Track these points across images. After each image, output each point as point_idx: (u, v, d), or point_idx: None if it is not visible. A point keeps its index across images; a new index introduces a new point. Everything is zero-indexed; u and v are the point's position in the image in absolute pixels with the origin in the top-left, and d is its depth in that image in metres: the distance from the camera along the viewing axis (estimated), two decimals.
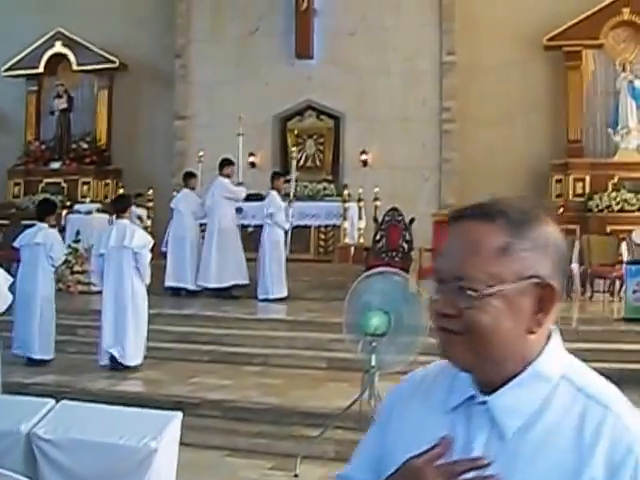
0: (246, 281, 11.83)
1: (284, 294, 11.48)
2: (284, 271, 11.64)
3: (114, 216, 9.28)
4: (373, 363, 5.67)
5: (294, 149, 14.74)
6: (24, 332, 8.48)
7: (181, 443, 6.25)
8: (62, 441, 3.40)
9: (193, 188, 12.80)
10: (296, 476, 5.69)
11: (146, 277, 8.42)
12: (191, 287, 12.19)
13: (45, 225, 8.85)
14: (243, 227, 12.75)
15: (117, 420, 3.53)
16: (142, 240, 8.38)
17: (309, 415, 6.60)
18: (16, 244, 9.07)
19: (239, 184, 12.59)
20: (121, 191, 14.53)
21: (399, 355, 5.65)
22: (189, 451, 6.16)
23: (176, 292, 12.20)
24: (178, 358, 8.81)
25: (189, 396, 7.12)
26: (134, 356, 8.22)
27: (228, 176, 12.47)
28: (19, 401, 3.83)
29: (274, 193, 12.02)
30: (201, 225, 12.80)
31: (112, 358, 8.21)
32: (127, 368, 8.15)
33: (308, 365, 8.35)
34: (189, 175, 13.03)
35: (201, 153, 13.47)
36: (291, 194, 12.79)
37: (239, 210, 12.22)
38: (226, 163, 12.58)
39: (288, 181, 12.96)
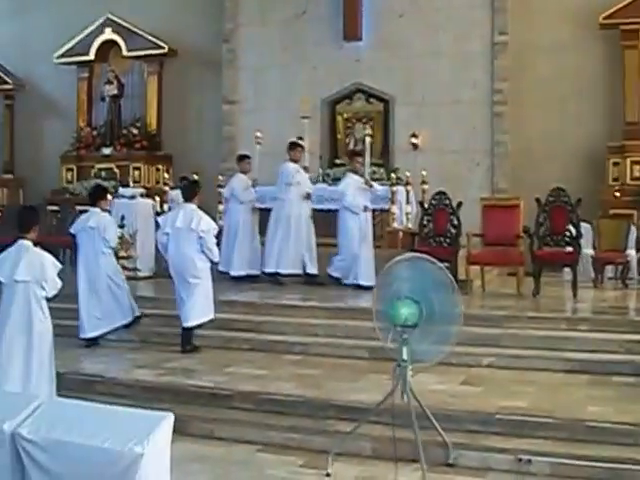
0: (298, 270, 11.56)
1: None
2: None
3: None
4: (405, 356, 5.36)
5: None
6: (88, 314, 9.00)
7: (213, 437, 6.22)
8: (45, 442, 3.23)
9: (245, 172, 12.42)
10: (328, 475, 5.43)
11: (214, 257, 8.88)
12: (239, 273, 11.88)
13: (98, 210, 9.29)
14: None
15: (105, 421, 3.35)
16: (207, 225, 8.79)
17: (346, 409, 6.35)
18: (72, 230, 9.48)
19: (304, 168, 12.09)
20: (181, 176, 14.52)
21: (433, 346, 5.39)
22: (220, 445, 6.09)
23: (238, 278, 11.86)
24: (217, 346, 8.70)
25: (222, 387, 6.96)
26: (205, 313, 8.73)
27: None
28: (6, 396, 3.69)
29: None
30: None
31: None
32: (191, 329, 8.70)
33: (349, 355, 8.14)
34: (241, 158, 12.65)
35: (258, 134, 12.95)
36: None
37: (308, 196, 11.71)
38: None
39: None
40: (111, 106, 18.34)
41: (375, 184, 11.61)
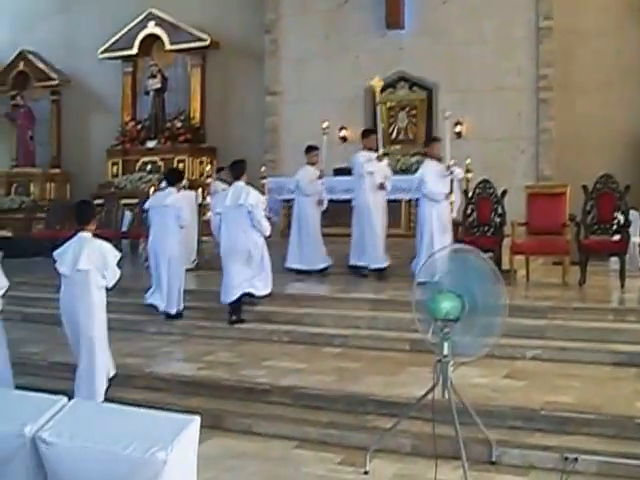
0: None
1: None
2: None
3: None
4: (445, 352, 5.21)
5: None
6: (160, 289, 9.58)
7: (250, 432, 6.15)
8: (66, 447, 3.13)
9: (312, 164, 12.05)
10: (366, 473, 5.31)
11: (264, 230, 9.19)
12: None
13: (174, 190, 9.91)
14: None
15: (129, 425, 3.22)
16: (255, 199, 9.16)
17: (385, 404, 6.23)
18: (146, 206, 10.36)
19: (380, 156, 11.49)
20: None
21: (476, 339, 5.22)
22: (257, 441, 6.01)
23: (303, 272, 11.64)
24: (257, 339, 8.65)
25: (260, 382, 6.89)
26: (265, 287, 9.22)
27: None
28: (30, 398, 3.63)
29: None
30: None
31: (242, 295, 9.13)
32: (258, 298, 9.27)
33: (390, 347, 8.01)
34: (309, 149, 12.31)
35: (326, 124, 12.28)
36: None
37: (381, 186, 11.29)
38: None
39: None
40: (155, 100, 18.42)
41: (456, 169, 10.84)
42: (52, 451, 3.19)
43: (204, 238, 13.00)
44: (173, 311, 9.52)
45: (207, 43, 17.54)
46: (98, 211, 15.18)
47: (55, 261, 6.84)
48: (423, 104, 15.38)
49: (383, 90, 15.55)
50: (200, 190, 14.23)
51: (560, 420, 5.78)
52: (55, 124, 19.91)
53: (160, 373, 7.39)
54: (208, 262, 8.91)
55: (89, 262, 6.65)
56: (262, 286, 9.23)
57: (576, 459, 5.27)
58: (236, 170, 9.52)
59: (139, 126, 18.55)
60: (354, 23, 15.51)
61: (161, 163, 17.86)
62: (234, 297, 9.06)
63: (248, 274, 9.10)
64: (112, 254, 6.81)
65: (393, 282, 10.53)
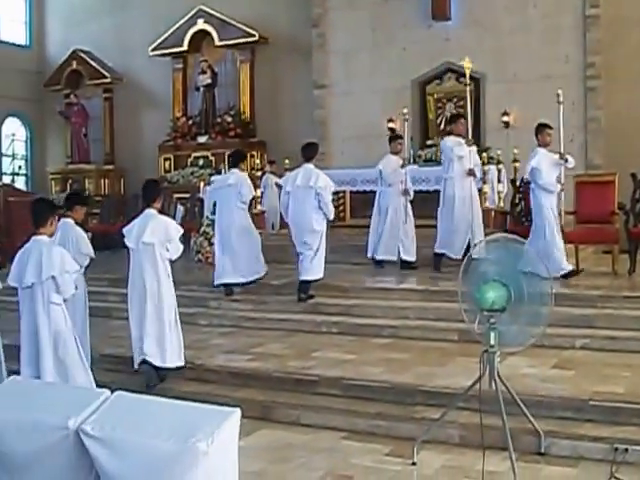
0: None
1: None
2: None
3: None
4: (492, 342, 5.20)
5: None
6: (224, 262, 10.07)
7: (298, 424, 6.22)
8: (109, 439, 3.18)
9: (396, 153, 11.48)
10: (414, 464, 5.32)
11: (330, 213, 9.55)
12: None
13: (237, 170, 10.43)
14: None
15: (170, 417, 3.28)
16: (325, 182, 9.52)
17: (433, 395, 6.24)
18: (212, 187, 11.20)
19: (469, 142, 10.89)
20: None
21: (523, 329, 5.21)
22: (305, 432, 6.07)
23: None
24: (307, 330, 8.72)
25: (308, 373, 6.95)
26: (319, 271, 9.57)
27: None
28: (73, 391, 3.71)
29: None
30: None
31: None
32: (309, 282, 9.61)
33: (439, 337, 8.04)
34: (392, 138, 11.83)
35: (405, 110, 11.93)
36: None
37: (471, 172, 10.61)
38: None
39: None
40: (205, 95, 18.63)
41: (570, 158, 10.01)
42: (95, 443, 3.27)
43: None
44: (250, 278, 10.04)
45: (256, 38, 17.72)
46: None
47: (124, 236, 7.29)
48: (470, 95, 15.26)
49: (430, 82, 15.58)
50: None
51: (610, 410, 5.74)
52: (108, 121, 20.25)
53: (210, 365, 7.49)
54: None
55: (153, 236, 7.11)
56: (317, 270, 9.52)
57: (626, 450, 5.24)
58: (308, 152, 9.90)
59: (190, 122, 18.78)
60: (400, 15, 15.52)
61: (212, 158, 18.10)
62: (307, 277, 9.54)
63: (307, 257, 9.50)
64: (175, 230, 7.27)
65: (442, 273, 10.50)
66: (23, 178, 21.39)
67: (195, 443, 3.05)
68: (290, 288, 9.76)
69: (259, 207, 14.30)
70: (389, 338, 8.21)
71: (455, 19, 15.09)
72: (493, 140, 14.24)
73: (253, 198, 12.99)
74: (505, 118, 14.47)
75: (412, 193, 11.45)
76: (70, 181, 19.79)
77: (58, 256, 6.19)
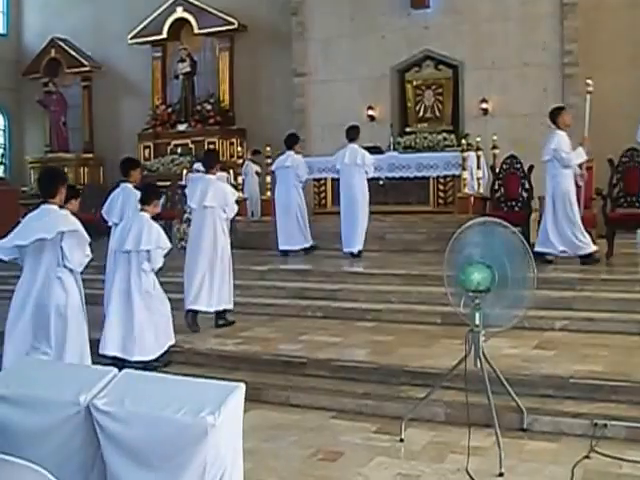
0: None
1: None
2: None
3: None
4: (477, 322, 5.35)
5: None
6: (286, 233, 11.79)
7: (288, 404, 6.36)
8: (120, 414, 3.34)
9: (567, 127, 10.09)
10: (401, 441, 5.42)
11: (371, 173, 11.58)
12: None
13: (292, 152, 11.93)
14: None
15: (178, 391, 3.41)
16: (370, 160, 11.37)
17: (418, 375, 6.40)
18: (273, 168, 12.46)
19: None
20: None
21: (506, 311, 5.37)
22: (295, 412, 6.21)
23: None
24: (292, 314, 8.86)
25: (296, 355, 7.09)
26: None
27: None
28: (82, 369, 3.81)
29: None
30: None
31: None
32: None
33: (422, 320, 8.21)
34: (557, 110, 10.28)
35: (589, 81, 10.86)
36: None
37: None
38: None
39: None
40: (185, 83, 18.65)
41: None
42: (105, 417, 3.40)
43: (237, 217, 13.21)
44: (305, 245, 11.85)
45: (235, 26, 17.73)
46: None
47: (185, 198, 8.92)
48: (449, 82, 15.48)
49: (409, 69, 15.71)
50: (232, 172, 14.47)
51: (589, 388, 5.91)
52: (87, 110, 20.21)
53: (200, 349, 7.61)
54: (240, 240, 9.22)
55: (213, 200, 8.26)
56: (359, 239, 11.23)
57: (605, 425, 5.40)
58: (352, 134, 11.47)
59: (169, 110, 18.80)
60: (379, 3, 15.61)
61: (192, 146, 18.11)
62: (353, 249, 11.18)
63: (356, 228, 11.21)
64: (232, 194, 8.52)
65: (422, 258, 10.68)
66: (1, 167, 21.28)
67: (204, 417, 3.19)
68: (273, 274, 9.88)
69: (239, 194, 14.39)
70: (373, 322, 8.37)
71: (434, 6, 15.18)
72: (472, 127, 14.39)
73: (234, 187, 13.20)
74: (484, 105, 14.63)
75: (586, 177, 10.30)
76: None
77: (156, 233, 7.08)
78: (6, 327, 6.18)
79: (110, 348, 6.97)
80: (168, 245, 7.20)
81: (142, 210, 7.30)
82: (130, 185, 8.63)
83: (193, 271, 8.30)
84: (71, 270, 6.14)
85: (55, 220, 6.06)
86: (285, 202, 11.83)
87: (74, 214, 7.57)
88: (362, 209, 11.22)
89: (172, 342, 7.22)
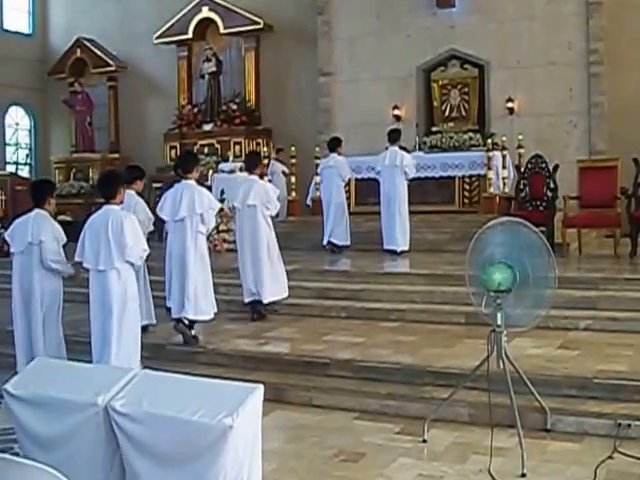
0: None
1: None
2: None
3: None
4: (499, 322, 5.33)
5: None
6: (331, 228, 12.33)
7: (311, 405, 6.37)
8: (138, 415, 3.38)
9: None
10: (424, 441, 5.39)
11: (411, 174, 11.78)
12: None
13: (335, 154, 12.44)
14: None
15: (196, 393, 3.40)
16: (409, 161, 11.63)
17: (442, 375, 6.37)
18: (318, 170, 12.98)
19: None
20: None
21: (528, 311, 5.35)
22: (318, 413, 6.22)
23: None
24: (316, 314, 8.86)
25: (319, 355, 7.08)
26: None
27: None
28: (100, 370, 3.83)
29: None
30: None
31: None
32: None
33: (446, 320, 8.18)
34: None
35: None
36: None
37: None
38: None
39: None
40: (210, 83, 18.70)
41: None
42: (123, 419, 3.42)
43: None
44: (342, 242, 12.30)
45: (261, 26, 17.74)
46: (158, 194, 15.63)
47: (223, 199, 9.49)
48: (475, 81, 15.44)
49: (435, 69, 15.68)
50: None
51: (613, 388, 5.86)
52: (113, 109, 20.32)
53: (223, 349, 7.62)
54: None
55: (255, 198, 8.73)
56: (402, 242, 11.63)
57: (629, 425, 5.37)
58: (394, 136, 11.92)
59: (195, 109, 18.84)
60: (405, 2, 15.59)
61: (218, 146, 18.14)
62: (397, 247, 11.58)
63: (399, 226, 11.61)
64: (273, 191, 8.97)
65: (446, 257, 10.65)
66: (27, 167, 21.49)
67: (222, 419, 3.19)
68: (297, 274, 9.90)
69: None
70: (396, 322, 8.35)
71: (459, 6, 15.14)
72: (498, 126, 14.35)
73: None
74: (509, 104, 14.58)
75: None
76: (74, 170, 19.88)
77: (206, 197, 7.72)
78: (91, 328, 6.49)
79: (175, 311, 7.70)
80: (218, 205, 8.01)
81: (186, 178, 7.78)
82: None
83: (245, 266, 8.85)
84: (132, 264, 6.43)
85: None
86: (329, 200, 12.38)
87: (139, 194, 8.29)
88: (402, 209, 11.62)
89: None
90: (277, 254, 8.90)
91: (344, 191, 12.66)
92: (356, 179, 13.64)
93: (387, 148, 11.98)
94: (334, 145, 12.58)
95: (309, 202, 13.97)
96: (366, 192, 13.18)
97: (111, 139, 20.29)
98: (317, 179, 13.50)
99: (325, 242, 12.28)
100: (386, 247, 11.66)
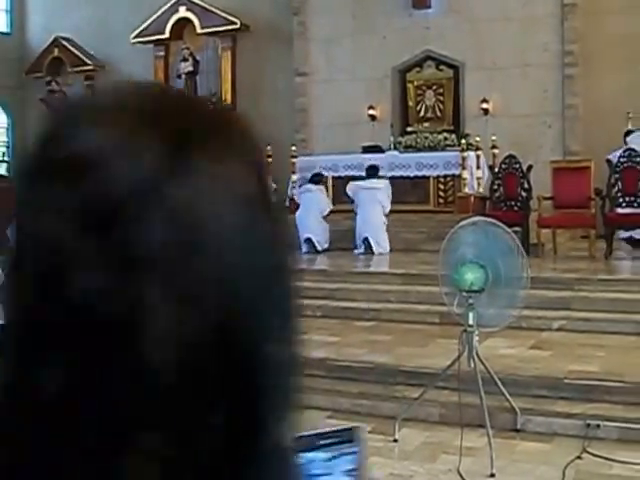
0: None
1: None
2: None
3: None
4: (471, 322, 5.38)
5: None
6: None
7: None
8: None
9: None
10: (395, 441, 5.53)
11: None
12: None
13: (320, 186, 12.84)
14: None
15: None
16: (385, 195, 11.85)
17: (414, 374, 6.43)
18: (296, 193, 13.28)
19: None
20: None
21: (500, 311, 5.40)
22: None
23: None
24: None
25: None
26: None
27: None
28: None
29: None
30: None
31: None
32: None
33: (421, 320, 8.23)
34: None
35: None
36: None
37: None
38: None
39: None
40: (187, 83, 18.61)
41: None
42: None
43: None
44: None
45: (237, 26, 17.66)
46: None
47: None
48: (450, 82, 15.49)
49: (410, 69, 15.74)
50: None
51: (584, 388, 5.93)
52: None
53: None
54: None
55: None
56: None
57: (598, 426, 5.43)
58: (371, 173, 12.10)
59: None
60: (381, 3, 15.55)
61: None
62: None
63: None
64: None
65: (421, 257, 10.69)
66: (4, 165, 21.31)
67: None
68: None
69: None
70: (371, 321, 8.40)
71: (435, 7, 15.15)
72: (472, 127, 14.38)
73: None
74: (484, 105, 14.64)
75: None
76: None
77: None
78: None
79: None
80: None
81: None
82: None
83: None
84: None
85: None
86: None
87: None
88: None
89: None
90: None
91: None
92: (333, 177, 13.65)
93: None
94: (318, 179, 12.92)
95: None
96: (343, 190, 13.20)
97: None
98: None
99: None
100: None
